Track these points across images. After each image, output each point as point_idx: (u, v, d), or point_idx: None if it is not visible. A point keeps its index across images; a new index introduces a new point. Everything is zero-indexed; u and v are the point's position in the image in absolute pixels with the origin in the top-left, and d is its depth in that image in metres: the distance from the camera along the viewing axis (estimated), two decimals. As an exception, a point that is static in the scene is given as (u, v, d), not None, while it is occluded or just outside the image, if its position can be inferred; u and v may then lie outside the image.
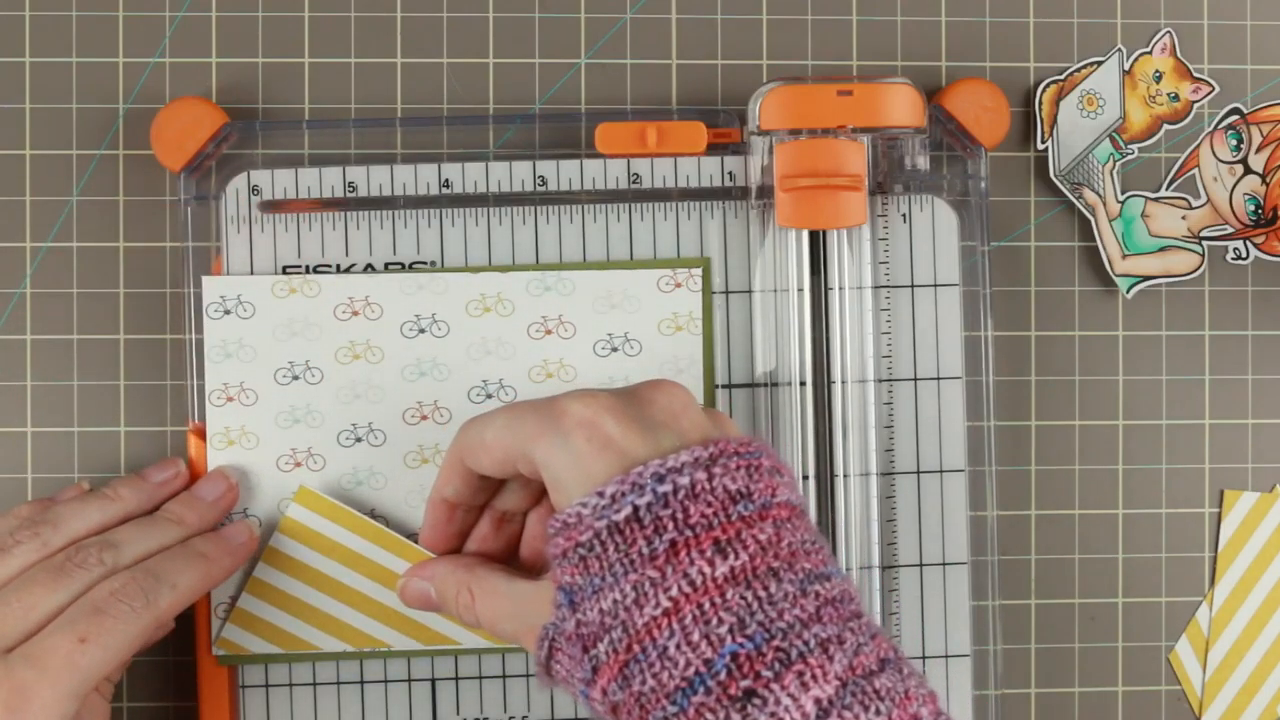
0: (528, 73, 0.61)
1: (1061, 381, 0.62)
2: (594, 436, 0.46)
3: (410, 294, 0.57)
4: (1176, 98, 0.61)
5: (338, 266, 0.58)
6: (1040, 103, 0.61)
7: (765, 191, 0.58)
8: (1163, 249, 0.61)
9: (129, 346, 0.60)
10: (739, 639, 0.43)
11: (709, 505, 0.44)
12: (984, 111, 0.60)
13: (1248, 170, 0.61)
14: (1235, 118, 0.61)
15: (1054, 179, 0.60)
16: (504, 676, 0.59)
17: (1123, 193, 0.61)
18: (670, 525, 0.44)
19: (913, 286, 0.59)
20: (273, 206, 0.58)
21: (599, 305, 0.58)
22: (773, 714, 0.42)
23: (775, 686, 0.42)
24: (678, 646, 0.43)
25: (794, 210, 0.57)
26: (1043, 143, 0.61)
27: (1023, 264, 0.62)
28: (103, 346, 0.60)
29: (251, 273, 0.58)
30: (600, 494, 0.45)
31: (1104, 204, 0.61)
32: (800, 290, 0.58)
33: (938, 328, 0.59)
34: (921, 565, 0.59)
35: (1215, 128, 0.61)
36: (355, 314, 0.57)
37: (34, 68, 0.60)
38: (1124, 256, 0.61)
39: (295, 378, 0.57)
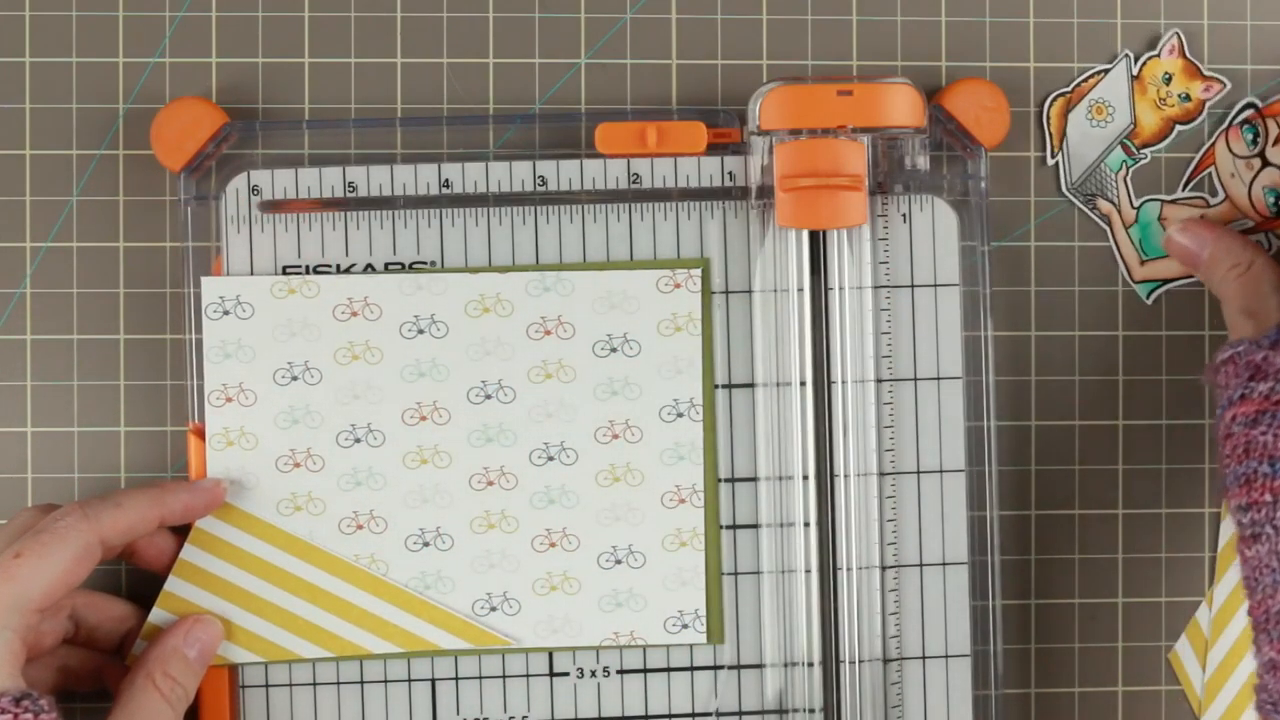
0: (528, 73, 0.61)
1: (1061, 381, 0.62)
2: None
3: (409, 294, 0.57)
4: (1188, 98, 0.61)
5: (338, 267, 0.58)
6: (1048, 116, 0.60)
7: (765, 191, 0.58)
8: None
9: (129, 346, 0.60)
10: None
11: None
12: (984, 111, 0.60)
13: (1265, 163, 0.61)
14: (1250, 111, 0.61)
15: (1066, 193, 0.60)
16: (504, 676, 0.59)
17: (1137, 198, 0.61)
18: None
19: (913, 286, 0.59)
20: (273, 206, 0.58)
21: (598, 306, 0.58)
22: None
23: None
24: None
25: (794, 210, 0.57)
26: (1053, 157, 0.61)
27: (1023, 264, 0.62)
28: (103, 346, 0.60)
29: (251, 273, 0.58)
30: None
31: (1119, 212, 0.61)
32: (800, 290, 0.58)
33: (938, 328, 0.59)
34: (921, 565, 0.59)
35: (1230, 124, 0.61)
36: (354, 314, 0.57)
37: (34, 68, 0.60)
38: (1142, 262, 0.61)
39: (294, 378, 0.57)
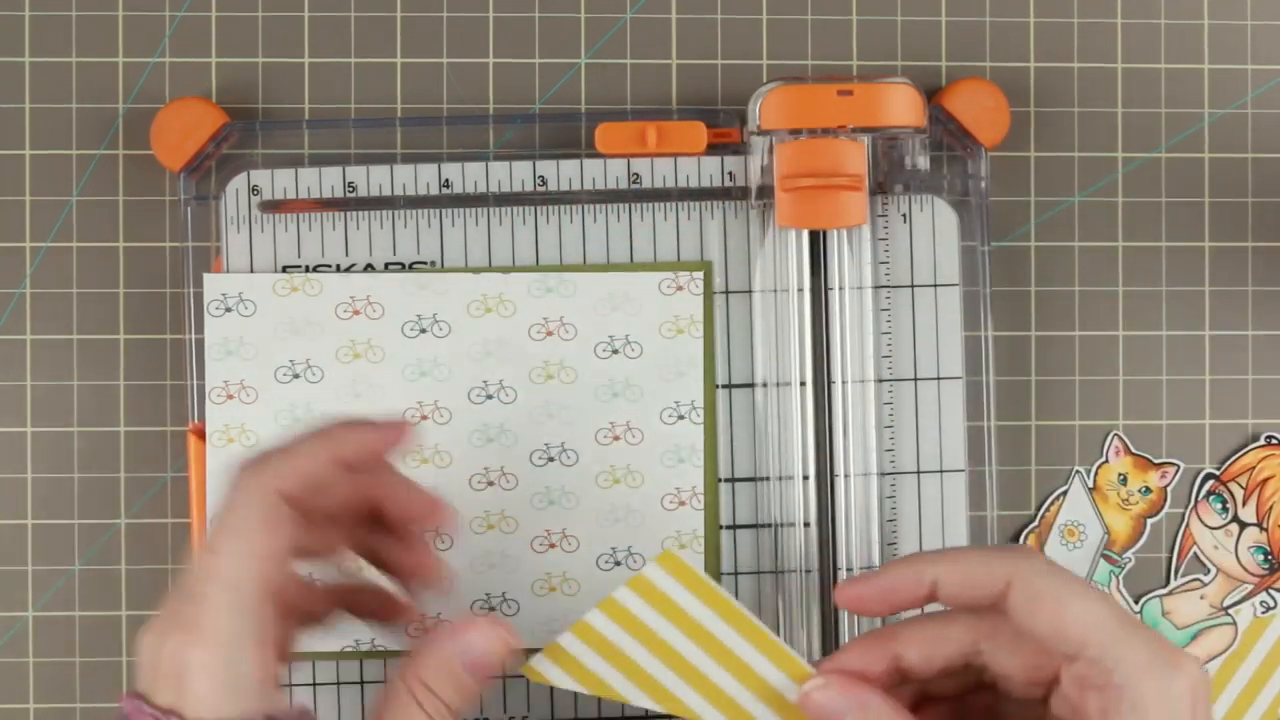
0: (528, 73, 0.61)
1: (1061, 381, 0.62)
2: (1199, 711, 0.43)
3: (412, 294, 0.57)
4: (1148, 490, 0.61)
5: (338, 266, 0.58)
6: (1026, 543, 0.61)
7: (765, 191, 0.58)
8: (1195, 636, 0.61)
9: (129, 346, 0.60)
10: None
11: None
12: (984, 111, 0.60)
13: (1243, 525, 0.61)
14: (1212, 482, 0.61)
15: None
16: (504, 677, 0.59)
17: (1135, 601, 0.61)
18: None
19: (913, 286, 0.59)
20: (273, 206, 0.58)
21: (600, 307, 0.58)
22: None
23: None
24: None
25: (794, 210, 0.57)
26: None
27: (1023, 264, 0.62)
28: (103, 346, 0.60)
29: (252, 272, 0.58)
30: None
31: None
32: (800, 290, 0.58)
33: (938, 328, 0.59)
34: (922, 565, 0.59)
35: (1196, 501, 0.61)
36: (356, 313, 0.57)
37: (34, 68, 0.60)
38: None
39: (296, 376, 0.57)
